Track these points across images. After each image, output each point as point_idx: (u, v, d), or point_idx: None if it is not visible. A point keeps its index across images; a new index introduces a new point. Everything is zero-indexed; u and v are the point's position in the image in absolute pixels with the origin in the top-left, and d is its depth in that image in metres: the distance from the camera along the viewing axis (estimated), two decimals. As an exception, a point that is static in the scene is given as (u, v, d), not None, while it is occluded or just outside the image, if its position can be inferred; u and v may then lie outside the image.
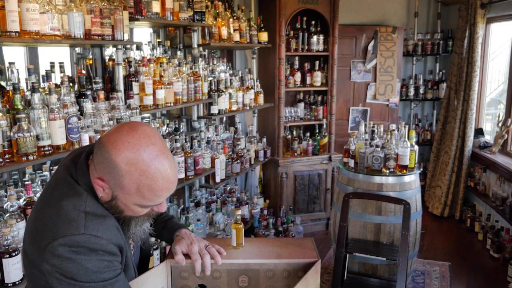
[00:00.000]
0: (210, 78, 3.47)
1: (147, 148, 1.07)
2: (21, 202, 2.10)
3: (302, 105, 4.64)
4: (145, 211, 1.18)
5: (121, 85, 2.63)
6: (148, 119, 3.16)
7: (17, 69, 2.16)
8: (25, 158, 1.92)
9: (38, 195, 2.22)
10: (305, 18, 4.42)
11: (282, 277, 1.34)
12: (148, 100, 2.73)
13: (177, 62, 3.14)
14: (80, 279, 1.06)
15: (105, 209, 1.15)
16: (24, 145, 1.89)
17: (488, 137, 4.96)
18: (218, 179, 3.43)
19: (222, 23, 3.59)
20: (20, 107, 1.93)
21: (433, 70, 5.56)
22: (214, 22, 3.56)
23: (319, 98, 4.64)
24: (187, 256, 1.34)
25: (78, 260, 1.05)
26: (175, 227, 1.46)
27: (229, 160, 3.59)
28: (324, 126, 4.55)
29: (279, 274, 1.34)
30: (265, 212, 4.09)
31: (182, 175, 2.97)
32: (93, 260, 1.07)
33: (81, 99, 2.34)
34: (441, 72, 5.45)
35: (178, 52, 3.42)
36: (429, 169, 5.32)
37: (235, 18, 3.80)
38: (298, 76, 4.46)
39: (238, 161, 3.67)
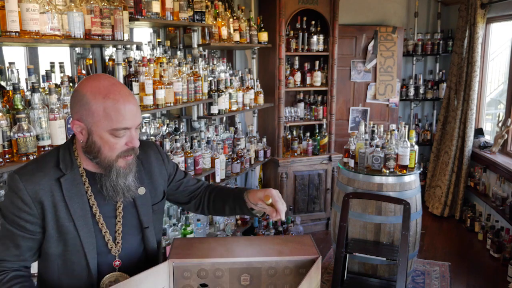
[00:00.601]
0: (210, 78, 3.47)
1: (106, 78, 1.27)
2: (21, 202, 2.10)
3: (302, 105, 4.65)
4: (119, 143, 1.26)
5: (121, 85, 2.63)
6: (148, 119, 3.16)
7: (17, 69, 2.16)
8: (25, 158, 1.91)
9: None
10: (305, 18, 4.42)
11: (283, 274, 1.35)
12: (148, 100, 2.73)
13: (177, 62, 3.14)
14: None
15: (67, 163, 1.30)
16: (24, 145, 1.90)
17: (488, 137, 4.96)
18: (218, 179, 3.43)
19: (222, 23, 3.59)
20: (20, 107, 1.94)
21: (433, 70, 5.56)
22: (214, 22, 3.56)
23: (319, 98, 4.64)
24: (188, 255, 1.35)
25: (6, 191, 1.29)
26: (244, 190, 1.53)
27: (229, 160, 3.59)
28: (324, 126, 4.55)
29: (281, 271, 1.35)
30: (265, 212, 4.09)
31: (182, 175, 2.96)
32: (7, 198, 1.27)
33: (81, 99, 2.34)
34: (441, 72, 5.45)
35: (178, 52, 3.42)
36: (429, 169, 5.32)
37: (235, 18, 3.80)
38: (298, 76, 4.46)
39: (238, 161, 3.67)
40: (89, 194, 1.32)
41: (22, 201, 1.24)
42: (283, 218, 1.41)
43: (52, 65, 2.44)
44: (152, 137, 3.00)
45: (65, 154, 1.32)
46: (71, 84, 2.36)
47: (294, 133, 4.55)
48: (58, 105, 2.06)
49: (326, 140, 4.54)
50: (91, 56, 2.74)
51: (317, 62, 4.53)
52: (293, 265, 1.34)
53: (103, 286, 1.33)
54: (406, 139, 3.22)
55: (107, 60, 2.76)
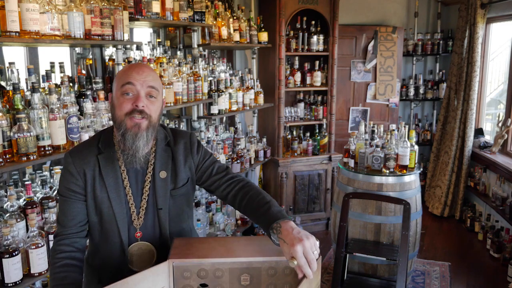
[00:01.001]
0: (210, 78, 3.47)
1: (138, 62, 1.49)
2: (21, 202, 2.10)
3: (302, 105, 4.64)
4: (126, 103, 1.40)
5: (121, 85, 2.63)
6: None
7: (17, 69, 2.16)
8: (25, 158, 1.92)
9: (38, 195, 2.22)
10: (305, 18, 4.42)
11: (283, 274, 1.34)
12: (148, 100, 2.72)
13: (177, 62, 3.14)
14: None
15: (105, 143, 1.49)
16: (24, 145, 1.90)
17: (488, 137, 4.95)
18: (218, 179, 3.43)
19: (222, 23, 3.59)
20: (20, 107, 1.94)
21: (433, 70, 5.56)
22: (214, 22, 3.56)
23: (319, 98, 4.64)
24: (188, 255, 1.35)
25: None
26: (272, 219, 1.36)
27: (229, 160, 3.59)
28: (324, 126, 4.55)
29: (281, 271, 1.34)
30: (265, 212, 4.08)
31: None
32: (61, 176, 1.50)
33: (81, 99, 2.34)
34: (441, 72, 5.45)
35: (178, 52, 3.42)
36: (429, 169, 5.32)
37: (235, 18, 3.80)
38: (298, 76, 4.46)
39: (238, 161, 3.67)
40: (122, 169, 1.49)
41: (70, 174, 1.46)
42: (311, 277, 1.24)
43: (52, 65, 2.44)
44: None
45: (105, 135, 1.52)
46: (71, 84, 2.36)
47: (294, 133, 4.55)
48: (58, 105, 2.06)
49: (326, 140, 4.54)
50: (91, 56, 2.74)
51: (317, 62, 4.53)
52: None
53: (129, 253, 1.50)
54: (406, 139, 3.22)
55: (107, 60, 2.76)
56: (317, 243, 1.28)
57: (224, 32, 3.60)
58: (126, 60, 2.70)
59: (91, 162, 1.46)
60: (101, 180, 1.46)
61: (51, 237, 2.05)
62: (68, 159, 1.47)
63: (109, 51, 2.86)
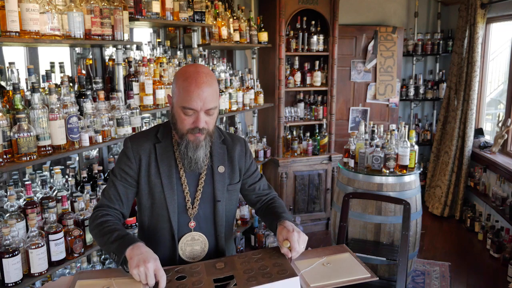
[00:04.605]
0: (210, 78, 3.47)
1: (195, 66, 1.52)
2: (21, 202, 2.10)
3: (302, 105, 4.65)
4: (187, 121, 1.49)
5: (121, 85, 2.64)
6: (148, 119, 3.16)
7: (17, 69, 2.17)
8: (25, 158, 1.92)
9: (38, 195, 2.22)
10: (305, 18, 4.42)
11: (253, 260, 1.50)
12: (148, 100, 2.73)
13: (177, 62, 3.14)
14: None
15: (163, 134, 1.62)
16: (24, 145, 1.90)
17: (488, 137, 4.95)
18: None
19: (222, 23, 3.59)
20: (20, 107, 1.94)
21: (433, 70, 5.56)
22: (214, 22, 3.56)
23: (319, 98, 4.64)
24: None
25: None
26: (280, 218, 1.65)
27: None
28: (324, 126, 4.55)
29: (250, 255, 1.53)
30: (265, 212, 4.09)
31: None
32: (118, 157, 1.63)
33: (81, 99, 2.35)
34: (441, 72, 5.45)
35: (178, 52, 3.42)
36: (429, 169, 5.32)
37: (235, 18, 3.80)
38: (298, 76, 4.46)
39: (238, 161, 3.66)
40: (178, 160, 1.59)
41: (126, 157, 1.59)
42: (289, 257, 1.50)
43: (52, 65, 2.44)
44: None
45: (165, 126, 1.65)
46: (71, 84, 2.36)
47: (294, 133, 4.55)
48: (58, 105, 2.06)
49: (326, 140, 4.54)
50: (91, 56, 2.74)
51: (317, 62, 4.53)
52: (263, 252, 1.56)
53: (182, 242, 1.60)
54: (406, 139, 3.22)
55: (107, 60, 2.76)
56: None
57: (224, 32, 3.60)
58: (126, 60, 2.70)
59: (147, 149, 1.59)
60: (156, 167, 1.58)
61: (51, 237, 2.05)
62: (128, 143, 1.60)
63: (109, 51, 2.87)
